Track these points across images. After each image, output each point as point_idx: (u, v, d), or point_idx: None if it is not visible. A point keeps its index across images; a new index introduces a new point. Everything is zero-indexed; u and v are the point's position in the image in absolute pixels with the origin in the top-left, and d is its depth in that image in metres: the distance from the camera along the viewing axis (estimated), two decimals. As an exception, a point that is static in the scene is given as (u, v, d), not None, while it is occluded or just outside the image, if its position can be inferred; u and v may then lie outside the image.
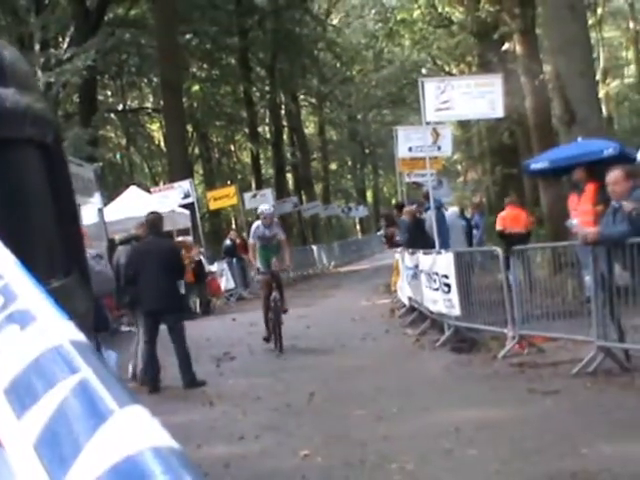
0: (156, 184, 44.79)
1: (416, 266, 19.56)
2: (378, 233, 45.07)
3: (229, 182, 51.29)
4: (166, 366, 15.60)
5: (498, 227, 22.72)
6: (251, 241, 20.26)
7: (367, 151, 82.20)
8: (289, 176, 69.39)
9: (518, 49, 34.01)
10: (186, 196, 35.84)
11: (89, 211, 24.51)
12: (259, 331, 21.74)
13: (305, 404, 12.77)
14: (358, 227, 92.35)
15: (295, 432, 10.83)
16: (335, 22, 67.50)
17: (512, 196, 28.78)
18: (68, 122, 45.66)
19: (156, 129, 62.27)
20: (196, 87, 61.75)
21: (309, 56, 62.92)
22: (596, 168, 16.37)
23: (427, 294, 18.41)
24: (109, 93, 59.56)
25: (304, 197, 64.65)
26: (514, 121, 34.78)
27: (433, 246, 18.53)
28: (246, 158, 70.57)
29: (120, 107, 61.53)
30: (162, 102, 53.13)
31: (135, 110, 62.18)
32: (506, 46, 36.01)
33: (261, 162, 69.00)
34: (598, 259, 13.08)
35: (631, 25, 62.79)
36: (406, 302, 22.00)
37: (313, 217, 67.95)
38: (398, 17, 58.33)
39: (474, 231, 25.95)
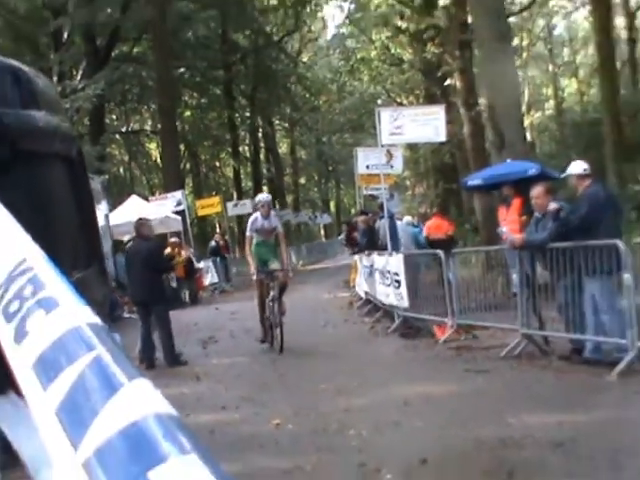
0: (153, 194, 44.70)
1: (371, 265, 19.58)
2: (339, 237, 44.97)
3: (214, 193, 51.20)
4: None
5: (424, 233, 22.75)
6: (248, 234, 16.19)
7: (331, 168, 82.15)
8: (265, 188, 69.30)
9: (458, 84, 34.08)
10: (178, 204, 35.94)
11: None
12: (239, 318, 21.71)
13: (277, 381, 12.78)
14: (322, 232, 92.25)
15: (269, 404, 10.83)
16: (305, 60, 67.58)
17: (436, 208, 28.95)
18: (79, 141, 45.45)
19: (153, 148, 62.10)
20: (187, 113, 61.81)
21: (283, 88, 63.07)
22: (521, 185, 16.42)
23: (380, 289, 18.42)
24: (114, 117, 59.41)
25: (277, 206, 64.70)
26: (454, 145, 34.85)
27: (386, 249, 18.54)
28: (229, 173, 70.53)
29: (123, 129, 61.46)
30: (159, 125, 53.38)
31: (136, 132, 62.07)
32: (448, 82, 36.09)
33: (241, 176, 69.12)
34: (523, 261, 13.15)
35: (550, 67, 63.30)
36: (363, 295, 22.00)
37: (285, 223, 67.75)
38: (358, 56, 58.49)
39: (420, 237, 25.96)
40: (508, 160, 20.92)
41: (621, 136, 32.87)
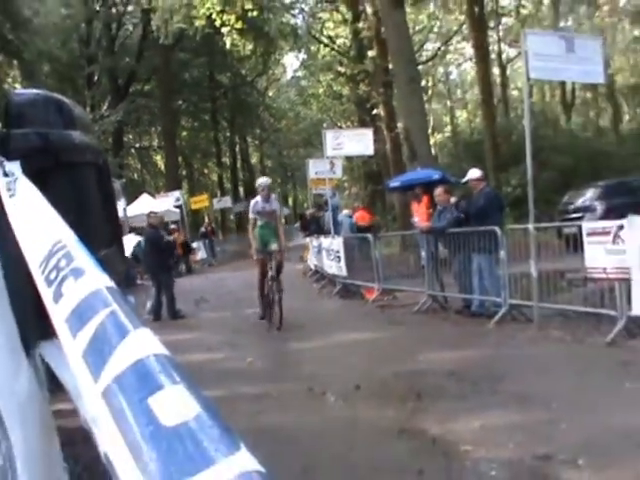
0: (159, 193, 44.42)
1: (319, 245, 19.55)
2: (295, 225, 44.89)
3: (203, 192, 50.95)
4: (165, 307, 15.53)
5: (353, 221, 22.75)
6: (251, 216, 13.51)
7: (289, 174, 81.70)
8: (241, 189, 69.03)
9: (382, 113, 34.11)
10: (177, 200, 35.89)
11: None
12: (223, 284, 21.66)
13: (252, 329, 12.74)
14: (283, 221, 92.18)
15: (245, 346, 10.80)
16: (271, 94, 67.20)
17: (363, 204, 29.14)
18: (105, 154, 45.42)
19: (159, 159, 61.49)
20: (184, 133, 61.36)
21: (255, 115, 62.86)
22: (428, 186, 16.49)
23: (326, 262, 18.41)
24: (130, 136, 58.90)
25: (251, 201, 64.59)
26: (380, 157, 34.89)
27: (330, 233, 18.52)
28: (214, 177, 70.01)
29: (137, 145, 61.02)
30: (163, 142, 53.33)
31: (146, 147, 61.60)
32: (375, 111, 36.10)
33: (223, 180, 68.75)
34: (429, 242, 13.20)
35: (448, 102, 63.71)
36: (313, 267, 21.96)
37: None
38: (309, 92, 58.46)
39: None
40: (419, 168, 21.04)
41: (498, 152, 33.17)
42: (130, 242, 17.66)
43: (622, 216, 8.79)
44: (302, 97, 60.14)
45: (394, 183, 22.78)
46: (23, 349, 2.71)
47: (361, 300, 15.56)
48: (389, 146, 32.57)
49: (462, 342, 9.80)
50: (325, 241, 18.67)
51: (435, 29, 47.70)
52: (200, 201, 41.56)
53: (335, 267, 17.29)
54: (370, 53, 33.91)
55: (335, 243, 17.39)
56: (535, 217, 10.39)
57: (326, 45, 45.17)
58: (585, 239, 9.17)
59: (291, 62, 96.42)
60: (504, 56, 48.77)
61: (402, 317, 12.61)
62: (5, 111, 3.41)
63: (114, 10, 48.20)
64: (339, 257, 16.87)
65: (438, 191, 13.04)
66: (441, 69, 56.59)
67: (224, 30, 31.22)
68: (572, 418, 5.70)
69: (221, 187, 66.99)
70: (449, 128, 64.53)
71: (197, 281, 25.06)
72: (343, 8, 41.54)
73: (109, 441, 1.18)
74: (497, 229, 10.94)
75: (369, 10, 33.10)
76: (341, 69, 43.49)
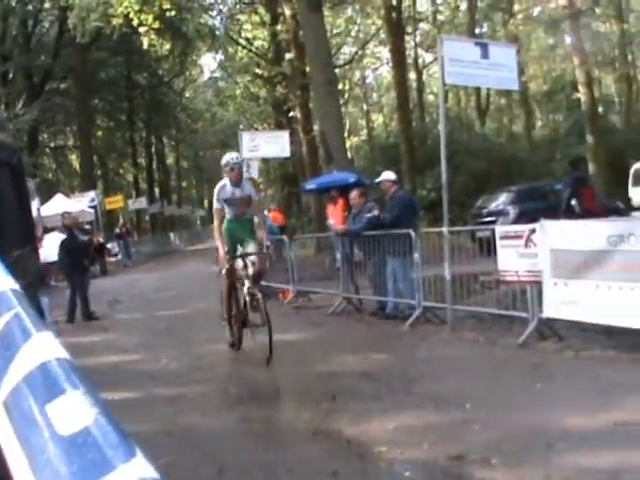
0: (73, 193, 43.60)
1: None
2: (212, 225, 44.82)
3: (118, 192, 50.29)
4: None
5: (271, 222, 22.72)
6: (216, 205, 9.71)
7: (205, 175, 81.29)
8: (157, 190, 68.29)
9: (299, 116, 34.20)
10: (92, 201, 35.39)
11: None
12: (137, 286, 21.35)
13: (165, 331, 12.58)
14: (199, 222, 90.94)
15: (159, 348, 10.65)
16: (187, 95, 66.73)
17: (279, 205, 29.29)
18: (20, 152, 44.70)
19: (74, 158, 60.33)
20: (99, 133, 60.39)
21: (171, 116, 62.44)
22: (344, 189, 16.56)
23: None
24: (45, 135, 57.64)
25: (165, 202, 63.86)
26: (296, 159, 34.92)
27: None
28: (130, 178, 69.08)
29: (52, 144, 59.75)
30: (78, 142, 52.52)
31: (61, 147, 60.40)
32: (291, 114, 36.19)
33: (139, 180, 67.88)
34: (344, 244, 13.27)
35: (364, 106, 64.24)
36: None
37: (171, 215, 67.69)
38: (226, 94, 58.18)
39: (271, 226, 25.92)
40: (334, 171, 21.09)
41: (413, 156, 33.58)
42: (55, 240, 17.22)
43: (534, 220, 9.00)
44: (219, 98, 59.83)
45: (310, 185, 22.83)
46: None
47: (276, 302, 15.52)
48: (305, 149, 32.65)
49: (377, 344, 9.87)
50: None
51: (353, 33, 48.04)
52: (115, 202, 41.08)
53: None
54: (288, 56, 33.89)
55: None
56: (449, 221, 10.55)
57: (244, 47, 45.01)
58: (498, 243, 9.35)
59: (208, 63, 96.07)
60: (420, 61, 49.48)
61: (317, 319, 12.62)
62: None
63: (30, 7, 47.14)
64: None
65: (353, 194, 13.10)
66: (358, 73, 57.00)
67: (142, 30, 30.78)
68: (485, 418, 5.78)
69: (136, 188, 66.17)
70: (365, 131, 65.11)
71: (111, 282, 24.67)
72: (261, 10, 41.52)
73: (7, 447, 1.14)
74: (412, 232, 11.04)
75: (287, 13, 33.11)
76: (258, 71, 43.41)
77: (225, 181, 9.62)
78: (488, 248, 10.03)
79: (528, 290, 8.97)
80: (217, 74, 58.46)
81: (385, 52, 47.12)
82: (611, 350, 7.76)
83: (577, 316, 8.33)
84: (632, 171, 26.54)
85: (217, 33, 42.60)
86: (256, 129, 47.07)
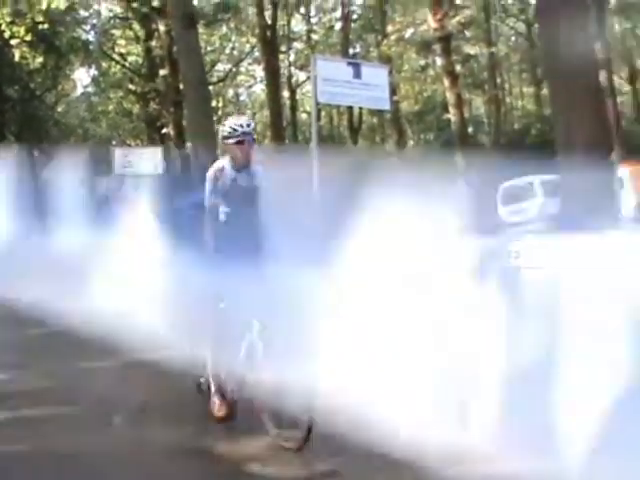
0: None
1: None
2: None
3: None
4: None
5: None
6: (208, 202, 5.70)
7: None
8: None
9: (172, 132, 34.03)
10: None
11: None
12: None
13: (37, 348, 12.18)
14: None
15: (29, 367, 10.25)
16: (60, 110, 65.16)
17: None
18: None
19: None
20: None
21: (43, 130, 60.89)
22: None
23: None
24: None
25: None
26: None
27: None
28: None
29: None
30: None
31: None
32: (164, 130, 35.94)
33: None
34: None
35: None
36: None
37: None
38: (99, 109, 57.30)
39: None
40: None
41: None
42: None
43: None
44: (92, 113, 58.74)
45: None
46: None
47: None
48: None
49: None
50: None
51: (227, 50, 48.11)
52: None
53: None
54: (162, 72, 33.69)
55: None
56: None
57: (117, 62, 44.40)
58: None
59: (81, 78, 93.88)
60: (294, 80, 49.85)
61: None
62: None
63: None
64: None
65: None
66: (231, 90, 57.07)
67: (13, 42, 29.97)
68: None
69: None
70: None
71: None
72: (136, 26, 41.07)
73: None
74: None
75: (162, 29, 32.95)
76: (132, 87, 42.94)
77: (224, 162, 5.88)
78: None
79: None
80: (90, 89, 57.46)
81: (259, 70, 47.46)
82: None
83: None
84: (500, 191, 26.76)
85: (91, 47, 41.91)
86: (129, 145, 46.41)
